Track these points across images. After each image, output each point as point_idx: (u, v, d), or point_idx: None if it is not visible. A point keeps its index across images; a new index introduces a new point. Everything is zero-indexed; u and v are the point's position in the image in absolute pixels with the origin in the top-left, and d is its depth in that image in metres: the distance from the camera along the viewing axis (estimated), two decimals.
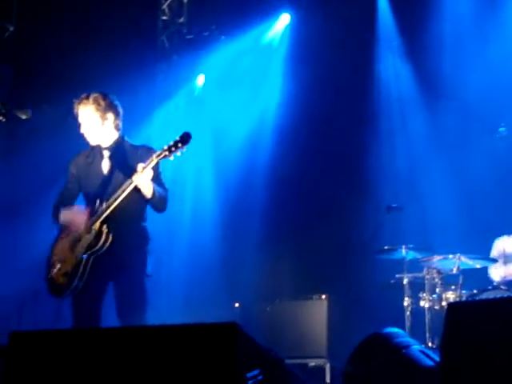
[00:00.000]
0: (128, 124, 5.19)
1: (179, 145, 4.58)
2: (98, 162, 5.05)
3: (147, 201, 4.90)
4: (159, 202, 4.96)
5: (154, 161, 4.65)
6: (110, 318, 4.93)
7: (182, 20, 10.18)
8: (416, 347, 3.25)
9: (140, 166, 4.67)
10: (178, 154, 4.62)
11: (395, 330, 3.40)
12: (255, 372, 2.91)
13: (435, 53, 8.58)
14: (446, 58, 8.51)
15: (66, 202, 5.14)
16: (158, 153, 4.65)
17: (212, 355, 2.82)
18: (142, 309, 4.86)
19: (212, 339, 2.86)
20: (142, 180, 4.69)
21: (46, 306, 6.77)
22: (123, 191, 4.71)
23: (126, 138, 5.13)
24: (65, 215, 5.01)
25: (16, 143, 8.08)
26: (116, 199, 4.73)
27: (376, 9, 9.30)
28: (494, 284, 6.87)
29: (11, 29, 8.37)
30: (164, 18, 10.15)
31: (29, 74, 8.39)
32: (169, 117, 9.97)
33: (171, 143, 4.61)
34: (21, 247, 7.53)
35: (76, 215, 4.96)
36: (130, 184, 4.69)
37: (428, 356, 3.21)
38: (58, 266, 4.90)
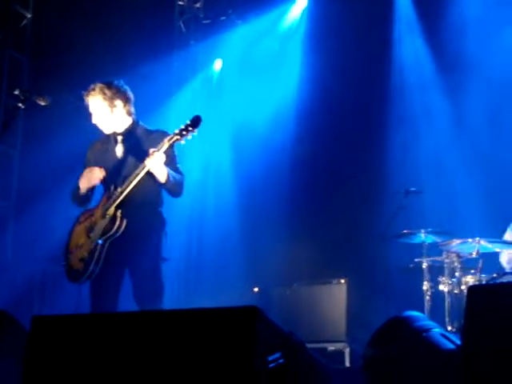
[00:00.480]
0: (145, 109, 5.21)
1: (190, 128, 4.60)
2: (112, 148, 5.08)
3: (161, 185, 4.91)
4: (173, 187, 4.97)
5: (165, 145, 4.67)
6: (127, 303, 4.96)
7: (198, 5, 10.19)
8: (437, 330, 3.25)
9: (151, 150, 4.69)
10: (189, 137, 4.64)
11: (415, 313, 3.40)
12: (276, 355, 2.92)
13: (456, 33, 8.46)
14: (468, 39, 8.38)
15: None
16: (169, 137, 4.67)
17: (232, 339, 2.82)
18: (158, 293, 4.89)
19: (232, 323, 2.86)
20: (154, 163, 4.70)
21: (66, 291, 6.83)
22: (136, 176, 4.73)
23: (140, 123, 5.15)
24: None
25: (36, 130, 8.11)
26: (129, 184, 4.75)
27: None
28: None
29: (29, 16, 8.39)
30: (181, 3, 10.15)
31: (46, 62, 8.40)
32: (186, 102, 9.98)
33: (182, 127, 4.63)
34: (41, 233, 7.59)
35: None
36: (143, 168, 4.71)
37: (449, 339, 3.20)
38: (75, 251, 4.94)
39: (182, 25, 10.15)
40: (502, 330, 2.81)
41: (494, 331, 2.81)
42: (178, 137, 4.62)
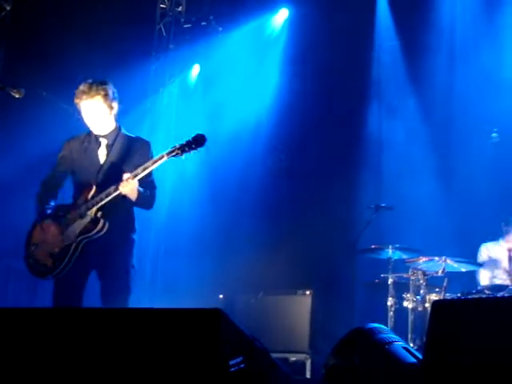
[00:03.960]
0: (120, 111, 5.18)
1: (193, 146, 4.57)
2: (93, 149, 5.03)
3: (135, 204, 4.92)
4: (144, 205, 5.01)
5: (163, 159, 4.64)
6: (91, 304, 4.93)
7: (180, 9, 10.16)
8: (399, 343, 3.25)
9: (126, 175, 4.68)
10: (190, 153, 4.62)
11: (379, 325, 3.40)
12: (238, 359, 2.90)
13: (431, 55, 8.60)
14: (442, 61, 8.52)
15: (54, 183, 5.14)
16: (169, 150, 4.64)
17: (195, 340, 2.80)
18: (125, 297, 4.86)
19: (195, 324, 2.84)
20: (128, 190, 4.72)
21: (20, 283, 6.77)
22: (110, 194, 4.73)
23: (122, 129, 5.13)
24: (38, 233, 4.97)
25: (8, 124, 8.03)
26: (115, 190, 4.73)
27: (375, 8, 9.31)
28: (479, 288, 6.90)
29: (8, 8, 8.31)
30: (162, 6, 10.12)
31: (23, 56, 8.33)
32: (162, 106, 9.95)
33: (184, 143, 4.60)
34: (10, 226, 7.51)
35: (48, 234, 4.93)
36: (116, 190, 4.71)
37: (411, 353, 3.21)
38: (43, 246, 4.88)
39: (162, 28, 10.12)
40: (463, 345, 2.82)
41: (456, 346, 2.82)
42: (179, 152, 4.61)
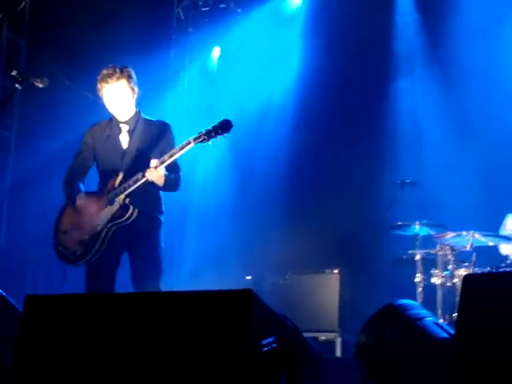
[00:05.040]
0: (142, 96, 5.19)
1: (219, 131, 4.56)
2: (115, 135, 5.04)
3: (159, 188, 4.93)
4: (170, 187, 4.99)
5: (189, 145, 4.65)
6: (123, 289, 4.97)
7: None
8: (430, 319, 3.25)
9: (154, 162, 4.68)
10: (217, 139, 4.61)
11: (409, 301, 3.40)
12: (270, 339, 2.91)
13: (454, 29, 8.50)
14: (462, 35, 8.43)
15: (79, 171, 5.16)
16: (196, 136, 4.63)
17: (226, 322, 2.83)
18: (157, 279, 4.90)
19: (226, 306, 2.86)
20: (155, 177, 4.73)
21: (50, 269, 6.84)
22: (137, 181, 4.74)
23: (141, 113, 5.14)
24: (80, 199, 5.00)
25: (33, 113, 8.10)
26: (134, 183, 4.76)
27: None
28: (508, 261, 6.84)
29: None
30: None
31: (44, 45, 8.38)
32: (183, 90, 9.96)
33: (210, 128, 4.58)
34: (36, 214, 7.58)
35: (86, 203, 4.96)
36: (142, 177, 4.73)
37: (442, 328, 3.21)
38: (73, 232, 4.91)
39: (180, 11, 10.09)
40: (496, 319, 2.81)
41: (489, 320, 2.82)
42: (206, 137, 4.60)
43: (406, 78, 9.01)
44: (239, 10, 9.69)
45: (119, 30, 8.60)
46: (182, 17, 10.10)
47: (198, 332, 2.83)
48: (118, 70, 4.92)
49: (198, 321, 2.86)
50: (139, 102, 5.16)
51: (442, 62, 8.67)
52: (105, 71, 4.94)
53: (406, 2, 9.17)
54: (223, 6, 9.79)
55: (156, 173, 4.70)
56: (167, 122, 5.20)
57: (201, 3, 10.04)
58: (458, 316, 2.89)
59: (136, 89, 5.03)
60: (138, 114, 5.09)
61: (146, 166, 4.75)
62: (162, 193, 5.08)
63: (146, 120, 5.11)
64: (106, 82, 4.92)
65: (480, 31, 8.43)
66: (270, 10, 9.68)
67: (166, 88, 9.66)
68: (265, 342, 2.89)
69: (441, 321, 6.30)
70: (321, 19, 9.39)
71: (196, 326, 2.85)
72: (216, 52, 10.20)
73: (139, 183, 4.76)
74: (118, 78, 4.91)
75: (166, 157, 4.71)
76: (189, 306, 2.91)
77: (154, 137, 4.98)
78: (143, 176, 4.73)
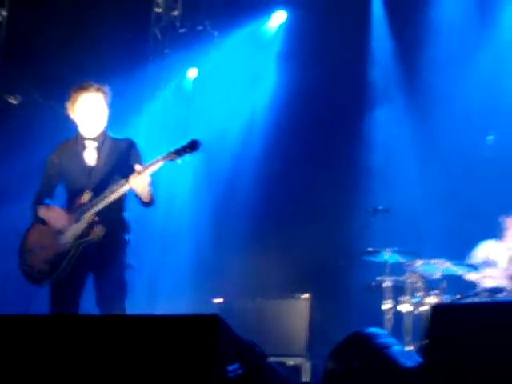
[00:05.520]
0: (117, 115, 5.18)
1: (187, 150, 4.61)
2: (80, 152, 5.00)
3: (140, 202, 4.90)
4: (150, 200, 4.95)
5: (158, 164, 4.65)
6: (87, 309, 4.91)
7: (175, 13, 10.11)
8: (397, 348, 3.25)
9: (138, 167, 4.66)
10: (186, 158, 4.66)
11: (377, 329, 3.40)
12: (236, 365, 2.89)
13: (426, 56, 8.61)
14: (438, 63, 8.53)
15: (47, 190, 5.10)
16: (165, 155, 4.66)
17: (192, 346, 2.80)
18: (122, 301, 4.84)
19: (193, 330, 2.84)
20: (140, 183, 4.68)
21: (17, 289, 6.75)
22: (117, 190, 4.72)
23: (108, 131, 5.13)
24: (45, 212, 4.94)
25: (7, 130, 8.03)
26: (112, 193, 4.73)
27: (370, 11, 9.32)
28: (477, 290, 6.88)
29: (4, 14, 8.29)
30: (157, 10, 10.07)
31: (19, 62, 8.32)
32: (157, 110, 9.94)
33: (179, 148, 4.65)
34: (9, 230, 7.48)
35: (56, 212, 4.91)
36: (124, 185, 4.70)
37: (409, 357, 3.21)
38: (38, 252, 4.86)
39: (157, 32, 10.09)
40: (462, 349, 2.82)
41: (455, 350, 2.82)
42: (175, 156, 4.64)
43: (381, 105, 9.08)
44: (216, 33, 9.73)
45: (96, 48, 8.58)
46: (159, 37, 10.10)
47: (162, 356, 2.80)
48: (95, 84, 4.95)
49: (163, 345, 2.83)
50: (114, 120, 5.15)
51: (415, 90, 8.76)
52: (82, 84, 4.95)
53: (381, 29, 9.26)
54: (200, 28, 9.82)
55: (140, 178, 4.66)
56: (134, 140, 5.17)
57: (178, 24, 10.05)
58: (425, 346, 2.89)
59: (108, 107, 5.02)
60: (105, 132, 5.08)
61: (113, 183, 4.73)
62: (127, 212, 5.04)
63: (112, 138, 5.10)
64: (86, 90, 4.92)
65: (454, 60, 8.54)
66: (247, 33, 9.74)
67: (141, 108, 9.64)
68: (230, 367, 2.87)
69: (409, 348, 6.34)
70: (297, 44, 9.47)
71: (161, 350, 2.82)
72: (192, 73, 10.22)
73: (122, 190, 4.72)
74: (97, 90, 4.93)
75: (148, 164, 4.70)
76: (154, 329, 2.89)
77: (121, 154, 4.97)
78: (126, 182, 4.69)
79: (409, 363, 3.15)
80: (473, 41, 8.49)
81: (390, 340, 3.33)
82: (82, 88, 4.93)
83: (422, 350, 2.94)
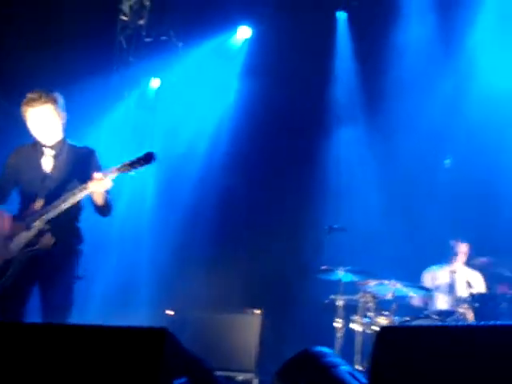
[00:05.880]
0: (78, 123, 5.14)
1: (142, 162, 4.58)
2: (38, 159, 4.97)
3: (96, 208, 4.86)
4: (108, 208, 4.94)
5: (114, 173, 4.63)
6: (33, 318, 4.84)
7: (141, 22, 10.08)
8: (344, 368, 3.25)
9: (97, 174, 4.62)
10: (140, 170, 4.63)
11: (325, 349, 3.41)
12: (182, 380, 2.87)
13: (389, 78, 8.71)
14: (400, 86, 8.63)
15: (1, 193, 5.04)
16: (119, 166, 4.64)
17: (138, 360, 2.77)
18: (67, 311, 4.79)
19: (140, 343, 2.81)
20: (99, 188, 4.64)
21: None
22: (74, 195, 4.66)
23: (67, 139, 5.08)
24: None
25: None
26: (64, 201, 4.68)
27: (335, 31, 9.41)
28: (426, 312, 6.96)
29: None
30: (124, 18, 10.03)
31: None
32: (120, 118, 9.89)
33: (134, 160, 4.62)
34: None
35: (2, 218, 4.84)
36: (83, 190, 4.65)
37: (355, 377, 3.22)
38: None
39: (123, 40, 10.04)
40: (408, 372, 2.83)
41: (401, 373, 2.84)
42: (129, 168, 4.61)
43: (343, 124, 9.15)
44: (181, 44, 9.72)
45: (60, 55, 8.50)
46: (125, 45, 10.05)
47: (107, 369, 2.77)
48: (43, 94, 4.87)
49: (109, 357, 2.79)
50: (73, 128, 5.11)
51: (376, 112, 8.85)
52: (30, 95, 4.89)
53: (345, 49, 9.35)
54: (165, 38, 9.80)
55: (100, 183, 4.62)
56: (94, 148, 5.15)
57: (144, 33, 10.01)
58: (371, 367, 2.90)
59: (63, 114, 4.97)
60: (64, 139, 5.04)
61: (68, 191, 4.69)
62: (80, 221, 4.99)
63: (71, 146, 5.07)
64: (31, 106, 4.86)
65: (416, 84, 8.65)
66: (212, 46, 9.77)
67: (103, 116, 9.57)
68: (177, 382, 2.85)
69: (358, 367, 6.37)
70: (262, 60, 9.51)
71: (106, 362, 2.78)
72: (155, 83, 10.20)
73: (80, 196, 4.67)
74: (44, 102, 4.86)
75: (107, 171, 4.67)
76: (100, 340, 2.85)
77: (79, 162, 4.95)
78: (85, 188, 4.64)
79: (355, 383, 3.16)
80: (435, 66, 8.61)
81: (338, 360, 3.34)
82: (28, 103, 4.87)
83: (367, 371, 2.95)
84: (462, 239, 7.63)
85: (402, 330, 3.19)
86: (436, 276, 7.68)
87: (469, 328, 3.05)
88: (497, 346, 2.68)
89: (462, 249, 7.64)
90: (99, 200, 4.77)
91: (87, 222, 5.06)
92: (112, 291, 9.24)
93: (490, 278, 7.40)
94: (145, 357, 2.77)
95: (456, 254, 7.65)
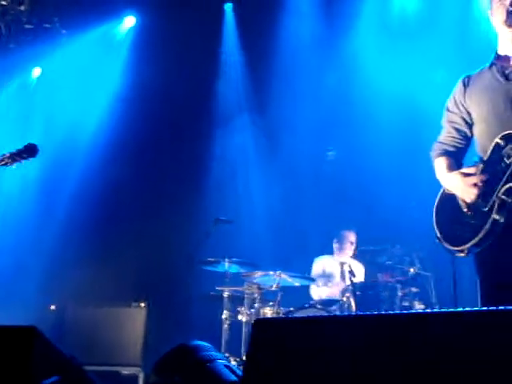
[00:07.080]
0: None
1: (24, 155, 4.42)
2: None
3: None
4: None
5: None
6: None
7: (22, 8, 9.72)
8: (221, 362, 3.25)
9: None
10: (22, 163, 4.46)
11: (202, 343, 3.39)
12: (53, 379, 2.80)
13: (274, 72, 8.78)
14: (285, 79, 8.72)
15: None
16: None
17: (7, 359, 2.68)
18: None
19: (8, 342, 2.72)
20: None
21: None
22: None
23: None
24: None
25: None
26: None
27: (222, 23, 9.40)
28: (311, 302, 7.07)
29: None
30: (3, 2, 9.66)
31: None
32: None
33: (14, 152, 4.44)
34: None
35: None
36: None
37: (232, 371, 3.22)
38: None
39: (2, 26, 9.67)
40: (281, 363, 2.85)
41: (274, 364, 2.85)
42: (9, 161, 4.42)
43: (230, 118, 9.16)
44: (64, 32, 9.46)
45: None
46: (4, 31, 9.68)
47: None
48: None
49: None
50: None
51: (262, 105, 8.93)
52: None
53: (232, 42, 9.36)
54: (48, 25, 9.51)
55: None
56: None
57: (24, 20, 9.67)
58: (246, 360, 2.91)
59: None
60: None
61: None
62: None
63: None
64: None
65: (300, 77, 8.76)
66: (96, 35, 9.61)
67: None
68: (47, 381, 2.77)
69: (244, 358, 6.41)
70: (146, 50, 9.42)
71: None
72: (36, 71, 9.91)
73: None
74: None
75: None
76: None
77: None
78: None
79: (231, 377, 3.16)
80: (320, 59, 8.73)
81: (215, 354, 3.33)
82: None
83: (243, 365, 2.96)
84: (350, 228, 7.78)
85: (274, 322, 3.21)
86: (324, 265, 7.81)
87: (339, 318, 3.09)
88: (367, 335, 2.73)
89: (351, 238, 7.78)
90: None
91: None
92: None
93: (371, 268, 7.59)
94: (13, 356, 2.69)
95: (343, 244, 7.78)
